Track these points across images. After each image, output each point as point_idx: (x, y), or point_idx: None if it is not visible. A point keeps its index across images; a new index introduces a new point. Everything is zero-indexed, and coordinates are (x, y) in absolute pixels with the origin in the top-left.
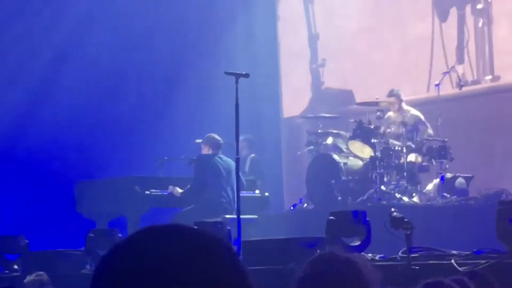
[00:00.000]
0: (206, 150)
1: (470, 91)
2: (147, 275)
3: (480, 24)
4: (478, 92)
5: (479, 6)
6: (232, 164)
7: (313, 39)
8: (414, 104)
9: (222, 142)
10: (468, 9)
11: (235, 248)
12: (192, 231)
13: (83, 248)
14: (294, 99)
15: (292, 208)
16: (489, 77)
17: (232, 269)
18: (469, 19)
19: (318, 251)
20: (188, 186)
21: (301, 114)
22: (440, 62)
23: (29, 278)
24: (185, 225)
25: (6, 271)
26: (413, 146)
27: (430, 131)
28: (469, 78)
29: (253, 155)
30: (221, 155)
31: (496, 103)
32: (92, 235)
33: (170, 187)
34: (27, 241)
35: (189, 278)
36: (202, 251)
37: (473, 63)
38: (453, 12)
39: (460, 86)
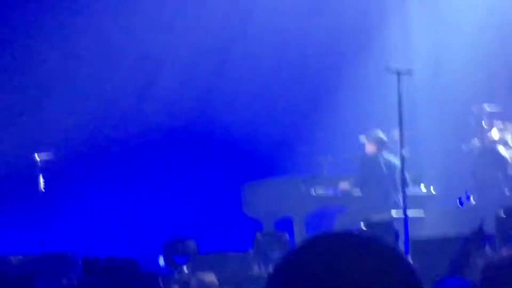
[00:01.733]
0: (370, 148)
1: None
2: (319, 285)
3: None
4: None
5: None
6: (395, 161)
7: None
8: None
9: (386, 139)
10: None
11: (406, 256)
12: (366, 239)
13: (250, 250)
14: None
15: (459, 204)
16: None
17: (407, 275)
18: None
19: (488, 249)
20: (347, 184)
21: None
22: None
23: (197, 277)
24: (358, 233)
25: (175, 274)
26: None
27: None
28: None
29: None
30: (384, 154)
31: None
32: (260, 237)
33: (341, 183)
34: (196, 243)
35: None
36: (377, 262)
37: None
38: None
39: None
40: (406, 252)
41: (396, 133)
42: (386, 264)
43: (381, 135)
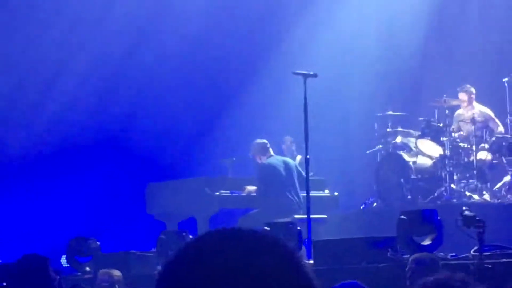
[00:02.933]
0: (259, 159)
1: None
2: (209, 280)
3: None
4: None
5: None
6: (290, 162)
7: None
8: None
9: (266, 142)
10: None
11: (300, 252)
12: (255, 235)
13: (154, 249)
14: None
15: (362, 207)
16: None
17: (297, 274)
18: None
19: (389, 250)
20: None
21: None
22: None
23: (102, 271)
24: (249, 229)
25: (78, 273)
26: (482, 143)
27: (501, 128)
28: None
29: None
30: (275, 156)
31: None
32: (164, 236)
33: (245, 188)
34: (98, 243)
35: (252, 283)
36: (265, 256)
37: None
38: None
39: None
40: (309, 253)
41: (289, 138)
42: (278, 262)
43: (259, 142)
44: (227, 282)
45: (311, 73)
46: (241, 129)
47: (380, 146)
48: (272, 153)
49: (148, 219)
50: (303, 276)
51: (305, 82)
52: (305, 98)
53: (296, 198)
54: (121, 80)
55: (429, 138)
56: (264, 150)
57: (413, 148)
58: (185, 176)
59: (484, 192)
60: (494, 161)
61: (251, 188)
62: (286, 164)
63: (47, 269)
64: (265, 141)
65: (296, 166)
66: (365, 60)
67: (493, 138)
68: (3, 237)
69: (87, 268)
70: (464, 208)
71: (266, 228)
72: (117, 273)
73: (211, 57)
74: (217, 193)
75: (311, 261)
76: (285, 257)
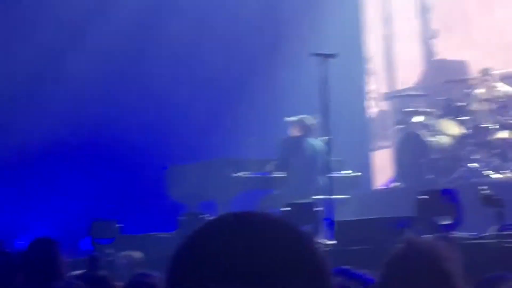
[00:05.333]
0: (295, 132)
1: None
2: (218, 263)
3: None
4: None
5: None
6: (319, 145)
7: (424, 10)
8: None
9: (313, 124)
10: None
11: (315, 235)
12: (267, 218)
13: (174, 231)
14: (408, 71)
15: (384, 187)
16: None
17: (308, 258)
18: None
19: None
20: (270, 166)
21: (389, 93)
22: None
23: (122, 254)
24: (262, 213)
25: (101, 255)
26: (503, 122)
27: None
28: None
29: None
30: (308, 138)
31: None
32: (184, 218)
33: (266, 166)
34: (119, 225)
35: (261, 266)
36: (276, 240)
37: None
38: None
39: None
40: (331, 233)
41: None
42: (288, 246)
43: (306, 119)
44: (237, 265)
45: (331, 53)
46: (262, 111)
47: (400, 125)
48: (308, 136)
49: (169, 201)
50: (314, 261)
51: (324, 63)
52: (325, 79)
53: (319, 181)
54: (139, 59)
55: (449, 117)
56: (305, 128)
57: (433, 128)
58: (206, 159)
59: (505, 171)
60: None
61: (271, 168)
62: (313, 146)
63: (56, 252)
64: (312, 123)
65: (321, 148)
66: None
67: None
68: (26, 221)
69: (108, 250)
70: (483, 187)
71: (286, 208)
72: (137, 254)
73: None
74: (238, 174)
75: (334, 242)
76: (296, 241)
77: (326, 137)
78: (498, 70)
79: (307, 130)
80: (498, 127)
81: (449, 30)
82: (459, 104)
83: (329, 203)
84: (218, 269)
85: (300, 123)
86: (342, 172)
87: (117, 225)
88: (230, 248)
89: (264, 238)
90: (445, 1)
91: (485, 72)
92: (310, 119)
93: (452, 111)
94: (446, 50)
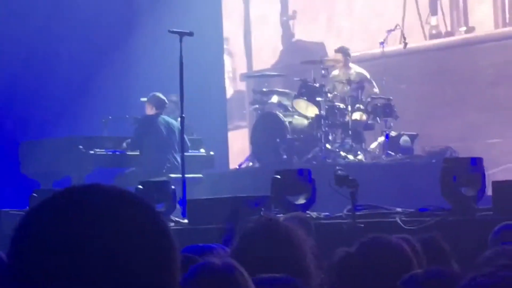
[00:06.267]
0: (150, 109)
1: (445, 43)
2: (64, 234)
3: None
4: (452, 43)
5: None
6: (174, 124)
7: None
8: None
9: (166, 101)
10: None
11: (157, 208)
12: (114, 190)
13: (26, 208)
14: (266, 52)
15: (238, 167)
16: (463, 28)
17: (155, 229)
18: None
19: (261, 211)
20: (125, 145)
21: (246, 73)
22: (413, 14)
23: None
24: (110, 185)
25: None
26: (358, 104)
27: (376, 89)
28: (443, 29)
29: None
30: (164, 116)
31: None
32: (36, 195)
33: (121, 144)
34: None
35: (108, 237)
36: (122, 210)
37: (446, 15)
38: None
39: (404, 44)
40: (184, 212)
41: (177, 96)
42: (135, 217)
43: (160, 96)
44: (84, 236)
45: (188, 31)
46: (118, 88)
47: (256, 106)
48: (163, 113)
49: (22, 178)
50: (161, 232)
51: (181, 41)
52: (181, 57)
53: (173, 159)
54: None
55: (305, 98)
56: (159, 104)
57: (289, 108)
58: (60, 136)
59: (359, 153)
60: (369, 122)
61: (124, 145)
62: (169, 124)
63: None
64: (165, 99)
65: (178, 127)
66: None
67: (368, 99)
68: None
69: None
70: (337, 167)
71: (140, 187)
72: None
73: (86, 14)
74: (92, 152)
75: (185, 220)
76: (143, 212)
77: (181, 116)
78: (354, 52)
79: (160, 107)
80: (351, 109)
81: (307, 12)
82: (315, 85)
83: (183, 182)
84: (54, 245)
85: (153, 100)
86: (195, 151)
87: None
88: (76, 220)
89: (112, 208)
90: None
91: (341, 53)
92: (163, 96)
93: (308, 92)
94: (303, 32)
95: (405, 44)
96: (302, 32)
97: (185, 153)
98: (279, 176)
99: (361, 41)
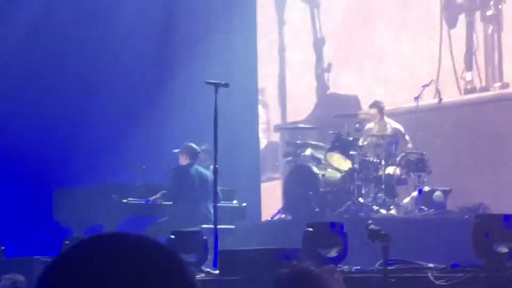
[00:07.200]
0: (183, 159)
1: (479, 98)
2: (86, 282)
3: (489, 31)
4: (487, 99)
5: (489, 13)
6: (207, 174)
7: (318, 44)
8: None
9: (199, 151)
10: (477, 15)
11: (185, 260)
12: (138, 240)
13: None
14: (301, 104)
15: (270, 219)
16: (498, 84)
17: (178, 277)
18: (479, 26)
19: (294, 262)
20: (159, 195)
21: (280, 125)
22: (449, 69)
23: (5, 277)
24: (135, 234)
25: None
26: (391, 158)
27: (410, 144)
28: (477, 85)
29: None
30: (197, 166)
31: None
32: (69, 242)
33: (154, 194)
34: (3, 247)
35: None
36: (145, 259)
37: (481, 70)
38: (462, 19)
39: (439, 99)
40: (215, 263)
41: (208, 146)
42: (158, 264)
43: (194, 146)
44: (106, 286)
45: (223, 83)
46: (151, 138)
47: (290, 158)
48: (196, 163)
49: (55, 225)
50: (187, 285)
51: (216, 91)
52: (216, 107)
53: (206, 210)
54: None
55: (338, 151)
56: (192, 155)
57: (323, 161)
58: (93, 182)
59: (392, 207)
60: (402, 176)
61: (159, 195)
62: (201, 175)
63: None
64: (198, 149)
65: (210, 177)
66: None
67: (402, 154)
68: None
69: None
70: (369, 221)
71: (172, 236)
72: (20, 278)
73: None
74: (125, 200)
75: (217, 271)
76: (169, 263)
77: (214, 167)
78: (388, 106)
79: (193, 157)
80: (384, 163)
81: (342, 64)
82: (348, 138)
83: (214, 232)
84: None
85: (186, 150)
86: (228, 202)
87: (0, 248)
88: (94, 268)
89: (133, 258)
90: (338, 34)
91: (375, 107)
92: (197, 147)
93: (342, 145)
94: (338, 85)
95: (440, 99)
96: (337, 84)
97: (218, 204)
98: (311, 229)
99: (404, 92)
